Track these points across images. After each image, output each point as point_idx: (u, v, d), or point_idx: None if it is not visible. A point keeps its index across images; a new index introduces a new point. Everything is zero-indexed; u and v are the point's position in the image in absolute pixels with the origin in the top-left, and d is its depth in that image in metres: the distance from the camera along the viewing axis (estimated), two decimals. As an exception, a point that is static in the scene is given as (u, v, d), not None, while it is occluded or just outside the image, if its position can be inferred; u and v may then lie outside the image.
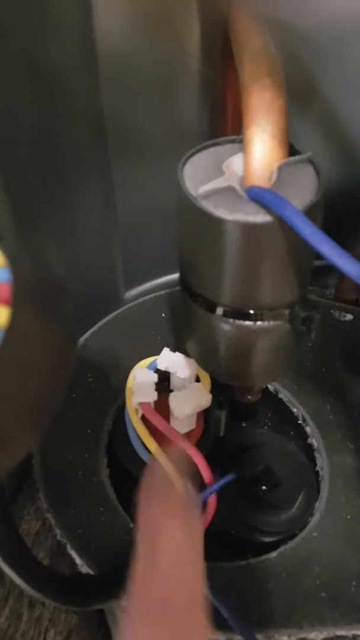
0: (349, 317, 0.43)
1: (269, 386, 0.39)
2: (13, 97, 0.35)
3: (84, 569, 0.32)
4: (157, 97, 0.39)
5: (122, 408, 0.39)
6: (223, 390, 0.36)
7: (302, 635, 0.30)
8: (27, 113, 0.37)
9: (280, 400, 0.39)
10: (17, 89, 0.35)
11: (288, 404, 0.39)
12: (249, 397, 0.37)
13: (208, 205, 0.24)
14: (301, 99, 0.40)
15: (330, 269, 0.48)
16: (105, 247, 0.48)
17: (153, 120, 0.40)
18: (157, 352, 0.37)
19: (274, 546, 0.34)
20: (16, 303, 0.16)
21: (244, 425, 0.40)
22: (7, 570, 0.24)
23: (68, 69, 0.36)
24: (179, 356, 0.35)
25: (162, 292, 0.46)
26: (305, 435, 0.38)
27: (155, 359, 0.36)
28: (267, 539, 0.34)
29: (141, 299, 0.46)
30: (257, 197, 0.23)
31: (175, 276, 0.51)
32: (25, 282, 0.16)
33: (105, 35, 0.35)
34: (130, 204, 0.45)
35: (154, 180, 0.44)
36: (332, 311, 0.43)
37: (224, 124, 0.39)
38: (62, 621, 0.50)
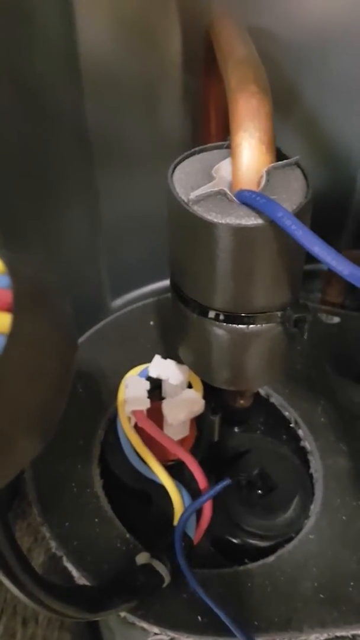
0: (336, 319, 0.43)
1: (260, 391, 0.40)
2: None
3: (81, 581, 0.32)
4: (141, 107, 0.40)
5: (113, 418, 0.39)
6: (215, 396, 0.36)
7: (303, 638, 0.30)
8: (11, 125, 0.37)
9: (272, 404, 0.40)
10: (1, 101, 0.35)
11: (280, 407, 0.39)
12: (241, 401, 0.37)
13: (200, 210, 0.24)
14: (284, 106, 0.40)
15: (316, 274, 0.49)
16: (91, 256, 0.48)
17: (137, 130, 0.40)
18: (147, 360, 0.37)
19: (271, 550, 0.34)
20: (17, 309, 0.16)
21: (236, 430, 0.40)
22: (6, 582, 0.23)
23: (52, 81, 0.36)
24: (170, 363, 0.35)
25: (150, 300, 0.46)
26: (297, 439, 0.38)
27: (147, 367, 0.36)
28: (264, 543, 0.34)
29: (129, 308, 0.46)
30: (248, 200, 0.24)
31: (161, 284, 0.52)
32: (25, 288, 0.16)
33: (88, 46, 0.35)
34: (115, 212, 0.45)
35: (139, 188, 0.44)
36: (319, 314, 0.44)
37: (207, 132, 0.39)
38: (55, 639, 0.49)
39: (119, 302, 0.52)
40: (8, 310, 0.16)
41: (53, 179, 0.41)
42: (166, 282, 0.51)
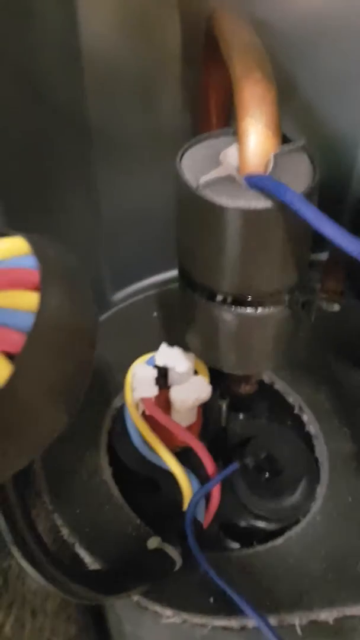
0: (336, 307, 0.44)
1: (265, 377, 0.40)
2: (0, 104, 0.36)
3: (94, 566, 0.33)
4: (141, 101, 0.40)
5: (120, 407, 0.39)
6: (220, 383, 0.37)
7: (313, 617, 0.31)
8: (13, 119, 0.37)
9: (276, 390, 0.40)
10: (3, 95, 0.36)
11: (284, 393, 0.40)
12: (246, 388, 0.37)
13: (210, 195, 0.25)
14: (280, 96, 0.41)
15: (314, 263, 0.49)
16: (91, 250, 0.48)
17: (137, 122, 0.41)
18: (151, 351, 0.38)
19: (279, 532, 0.34)
20: (44, 288, 0.16)
21: (241, 417, 0.40)
22: (25, 564, 0.24)
23: (54, 75, 0.36)
24: (176, 351, 0.36)
25: (152, 292, 0.47)
26: (302, 424, 0.39)
27: (154, 355, 0.36)
28: (273, 526, 0.35)
29: (131, 300, 0.47)
30: (257, 184, 0.24)
31: (161, 276, 0.52)
32: (50, 268, 0.17)
33: (90, 40, 0.35)
34: (115, 206, 0.45)
35: (139, 182, 0.44)
36: (319, 303, 0.44)
37: (208, 122, 0.39)
38: (63, 631, 0.50)
39: (119, 295, 0.52)
40: (36, 289, 0.16)
41: (54, 173, 0.41)
42: (166, 275, 0.52)
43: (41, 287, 0.16)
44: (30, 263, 0.17)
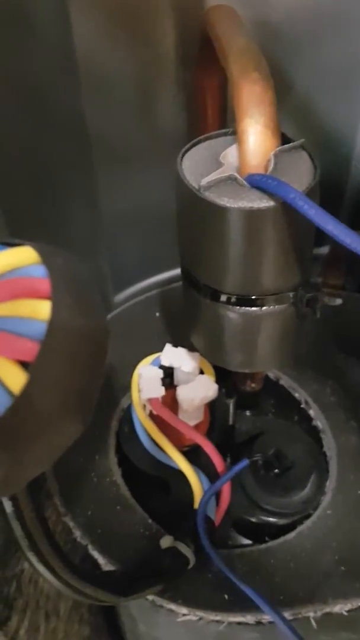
0: (339, 301, 0.44)
1: (270, 374, 0.40)
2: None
3: (108, 567, 0.33)
4: (138, 103, 0.40)
5: (126, 409, 0.39)
6: (226, 381, 0.37)
7: (328, 610, 0.31)
8: (12, 126, 0.37)
9: (282, 386, 0.40)
10: (2, 102, 0.36)
11: (290, 389, 0.40)
12: (252, 385, 0.38)
13: (212, 196, 0.25)
14: (277, 93, 0.41)
15: (315, 257, 0.49)
16: (92, 252, 0.48)
17: (135, 125, 0.41)
18: (156, 351, 0.38)
19: (291, 527, 0.35)
20: (55, 296, 0.17)
21: (248, 414, 0.40)
22: (41, 569, 0.24)
23: (50, 79, 0.36)
24: (181, 351, 0.36)
25: (153, 292, 0.47)
26: (309, 419, 0.39)
27: (159, 356, 0.37)
28: (284, 521, 0.35)
29: (132, 301, 0.47)
30: (259, 183, 0.24)
31: (161, 276, 0.52)
32: (60, 277, 0.17)
33: (84, 46, 0.36)
34: (115, 207, 0.46)
35: (138, 183, 0.44)
36: (321, 297, 0.44)
37: (204, 124, 0.40)
38: (75, 632, 0.50)
39: (121, 296, 0.52)
40: (46, 298, 0.17)
41: (53, 176, 0.42)
42: (166, 274, 0.52)
43: (52, 296, 0.17)
44: (40, 272, 0.17)
